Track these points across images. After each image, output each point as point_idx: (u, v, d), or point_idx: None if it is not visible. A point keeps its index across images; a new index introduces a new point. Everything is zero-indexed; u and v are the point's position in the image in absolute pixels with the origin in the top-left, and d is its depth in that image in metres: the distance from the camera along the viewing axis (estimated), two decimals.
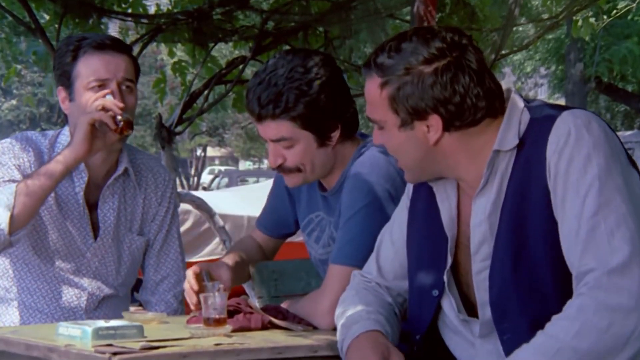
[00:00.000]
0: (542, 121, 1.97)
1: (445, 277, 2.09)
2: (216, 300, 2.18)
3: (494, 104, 2.00)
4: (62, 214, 2.71)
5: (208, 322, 2.18)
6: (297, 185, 2.62)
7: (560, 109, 1.99)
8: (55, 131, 2.78)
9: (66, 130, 2.75)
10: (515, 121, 1.99)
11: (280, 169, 2.53)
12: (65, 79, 2.66)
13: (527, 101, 2.04)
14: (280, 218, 2.84)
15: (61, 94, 2.69)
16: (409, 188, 2.22)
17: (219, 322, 2.17)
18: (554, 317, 1.84)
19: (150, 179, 2.83)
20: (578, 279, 1.85)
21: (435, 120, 1.98)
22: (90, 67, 2.62)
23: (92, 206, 2.74)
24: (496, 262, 1.99)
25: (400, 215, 2.24)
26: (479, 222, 2.02)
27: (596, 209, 1.86)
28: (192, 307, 2.45)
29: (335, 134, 2.52)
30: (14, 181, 2.63)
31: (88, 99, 2.61)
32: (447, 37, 1.98)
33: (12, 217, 2.53)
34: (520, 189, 1.96)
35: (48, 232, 2.70)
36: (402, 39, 2.00)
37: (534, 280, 1.94)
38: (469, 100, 1.96)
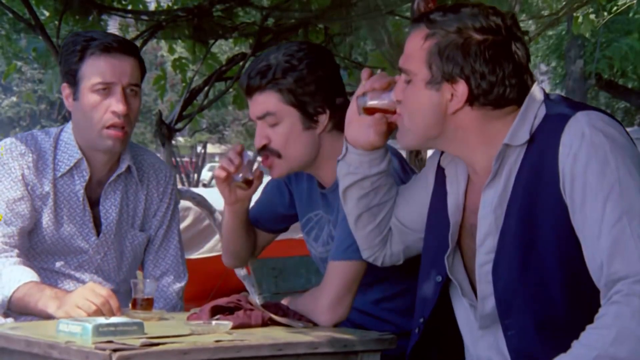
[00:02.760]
0: (555, 119, 1.95)
1: (446, 262, 2.09)
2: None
3: (523, 98, 1.99)
4: (63, 213, 2.71)
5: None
6: (281, 176, 2.60)
7: (576, 107, 1.96)
8: (57, 128, 2.77)
9: (68, 128, 2.74)
10: (531, 115, 1.98)
11: (264, 151, 2.51)
12: (71, 77, 2.65)
13: (547, 96, 2.02)
14: (271, 211, 2.81)
15: (65, 90, 2.69)
16: (434, 166, 2.21)
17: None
18: (588, 327, 1.81)
19: (152, 175, 2.84)
20: (608, 287, 1.83)
21: (462, 89, 1.96)
22: (96, 70, 2.62)
23: (93, 203, 2.75)
24: (502, 257, 1.98)
25: (417, 184, 2.26)
26: (485, 214, 2.01)
27: (619, 214, 1.83)
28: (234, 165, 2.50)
29: (323, 119, 2.50)
30: (15, 201, 2.65)
31: (92, 103, 2.61)
32: (507, 21, 1.98)
33: (8, 307, 2.56)
34: (529, 187, 1.95)
35: (49, 231, 2.70)
36: (464, 5, 1.99)
37: (542, 279, 1.93)
38: (503, 86, 1.95)
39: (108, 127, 2.63)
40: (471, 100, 1.96)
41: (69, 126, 2.75)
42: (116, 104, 2.61)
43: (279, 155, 2.50)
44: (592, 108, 1.98)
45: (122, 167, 2.75)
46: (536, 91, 2.01)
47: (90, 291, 2.42)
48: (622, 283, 1.80)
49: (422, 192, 2.23)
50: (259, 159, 2.48)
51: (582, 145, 1.89)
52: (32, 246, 2.71)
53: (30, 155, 2.69)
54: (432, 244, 2.15)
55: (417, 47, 1.99)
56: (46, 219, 2.70)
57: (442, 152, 2.15)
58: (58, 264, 2.73)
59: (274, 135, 2.49)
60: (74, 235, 2.72)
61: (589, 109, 1.95)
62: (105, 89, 2.61)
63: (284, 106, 2.47)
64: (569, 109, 1.95)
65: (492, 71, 1.94)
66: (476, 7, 1.98)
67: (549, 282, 1.93)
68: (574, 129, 1.91)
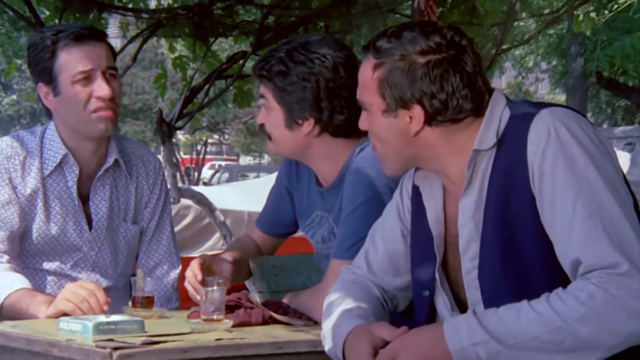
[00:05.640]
0: (520, 119, 1.98)
1: (437, 275, 2.10)
2: (214, 295, 2.18)
3: (481, 107, 2.02)
4: (55, 211, 2.71)
5: (205, 319, 2.18)
6: (274, 154, 2.69)
7: (540, 106, 1.99)
8: (42, 127, 2.78)
9: (51, 125, 2.75)
10: (495, 119, 2.01)
11: (261, 130, 2.61)
12: (46, 75, 2.65)
13: (509, 99, 2.06)
14: (280, 217, 2.84)
15: (42, 90, 2.68)
16: (407, 187, 2.22)
17: (216, 320, 2.18)
18: (561, 292, 1.83)
19: (140, 168, 2.85)
20: (584, 274, 1.84)
21: (418, 112, 2.00)
22: (72, 60, 2.63)
23: (84, 198, 2.75)
24: (485, 262, 2.00)
25: (390, 212, 2.25)
26: (465, 222, 2.03)
27: (590, 212, 1.86)
28: (196, 299, 2.45)
29: (306, 125, 2.53)
30: (3, 205, 2.65)
31: (76, 94, 2.62)
32: (447, 35, 2.01)
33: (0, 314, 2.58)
34: (502, 188, 1.97)
35: (41, 231, 2.70)
36: (405, 28, 2.03)
37: (525, 278, 1.95)
38: (455, 100, 1.99)
39: (95, 111, 2.63)
40: (429, 120, 2.01)
41: (52, 124, 2.75)
42: (100, 89, 2.63)
43: (270, 138, 2.59)
44: (556, 105, 2.00)
45: (110, 161, 2.75)
46: (498, 95, 2.05)
47: (78, 286, 2.46)
48: (601, 272, 1.82)
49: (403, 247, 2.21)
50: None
51: (549, 142, 1.92)
52: (25, 248, 2.71)
53: (17, 157, 2.69)
54: (419, 261, 2.16)
55: (367, 77, 2.05)
56: (37, 219, 2.70)
57: (416, 170, 2.16)
58: (53, 265, 2.72)
59: (267, 120, 2.58)
60: (67, 233, 2.72)
61: (552, 106, 1.98)
62: (86, 77, 2.63)
63: (273, 99, 2.54)
64: (534, 108, 1.99)
65: (441, 89, 1.98)
66: (417, 26, 2.02)
67: (532, 280, 1.94)
68: (539, 126, 1.93)
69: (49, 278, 2.74)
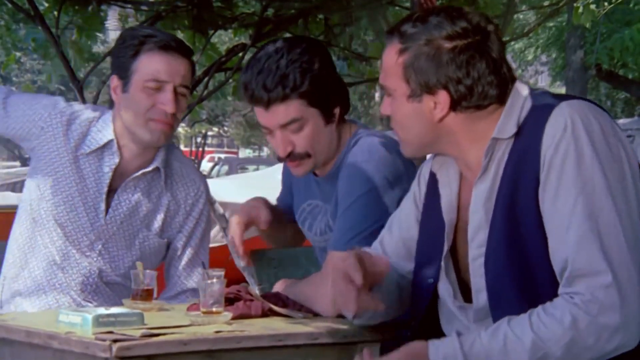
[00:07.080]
0: (540, 110, 1.98)
1: (442, 263, 2.10)
2: (214, 288, 2.18)
3: (505, 94, 2.01)
4: (79, 188, 2.71)
5: (205, 312, 2.19)
6: (306, 173, 2.62)
7: (561, 98, 1.99)
8: (103, 108, 2.81)
9: (110, 113, 2.75)
10: (516, 109, 2.00)
11: (290, 157, 2.53)
12: (123, 71, 2.66)
13: (531, 89, 2.05)
14: (287, 205, 2.84)
15: (114, 82, 2.70)
16: (424, 174, 2.22)
17: (215, 313, 2.18)
18: (546, 315, 1.86)
19: (180, 184, 2.81)
20: (569, 281, 1.87)
21: (443, 98, 1.99)
22: (150, 67, 2.63)
23: (110, 191, 2.74)
24: (491, 250, 2.00)
25: (408, 199, 2.25)
26: (476, 208, 2.03)
27: (590, 212, 1.87)
28: (239, 254, 2.54)
29: (337, 111, 2.54)
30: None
31: (141, 98, 2.63)
32: (473, 20, 2.00)
33: None
34: (514, 177, 1.98)
35: (59, 199, 2.71)
36: (431, 13, 2.02)
37: (528, 270, 1.95)
38: (481, 85, 1.98)
39: (152, 120, 2.64)
40: (454, 106, 2.00)
41: (108, 117, 2.76)
42: (166, 103, 2.62)
43: (308, 156, 2.53)
44: (577, 98, 2.00)
45: (151, 167, 2.74)
46: (520, 86, 2.05)
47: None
48: (585, 286, 1.84)
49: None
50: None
51: (564, 136, 1.91)
52: (40, 215, 2.72)
53: (63, 116, 2.73)
54: (426, 247, 2.16)
55: (392, 62, 2.03)
56: (58, 187, 2.71)
57: (434, 157, 2.17)
58: (60, 241, 2.72)
59: (299, 140, 2.51)
60: (80, 213, 2.72)
61: (573, 99, 1.98)
62: (157, 88, 2.63)
63: (307, 109, 2.49)
64: (554, 100, 1.99)
65: (467, 74, 1.97)
66: (442, 12, 2.01)
67: (535, 271, 1.95)
68: (557, 119, 1.93)
69: (57, 257, 2.73)
